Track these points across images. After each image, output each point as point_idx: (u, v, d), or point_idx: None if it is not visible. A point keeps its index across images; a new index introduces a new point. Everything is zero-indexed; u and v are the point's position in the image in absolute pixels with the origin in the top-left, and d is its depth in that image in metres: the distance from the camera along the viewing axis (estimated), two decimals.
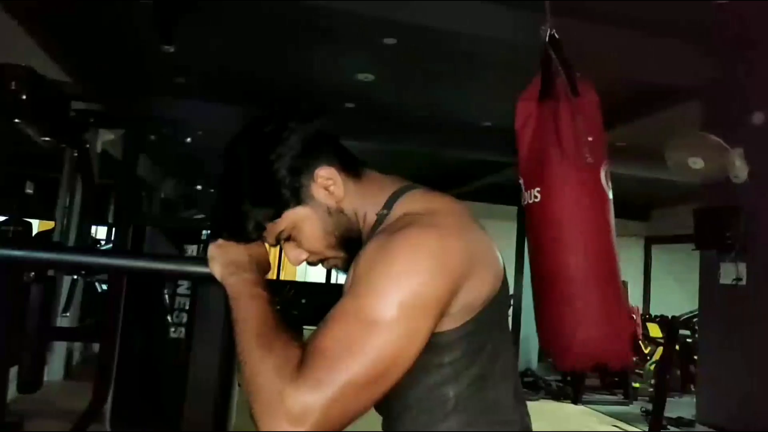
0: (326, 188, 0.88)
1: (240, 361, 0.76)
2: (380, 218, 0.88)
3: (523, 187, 1.46)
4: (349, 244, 0.90)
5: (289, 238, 0.90)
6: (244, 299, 0.83)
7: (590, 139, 1.36)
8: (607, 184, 1.39)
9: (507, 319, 0.92)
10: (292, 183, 0.86)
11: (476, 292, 0.81)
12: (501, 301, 0.87)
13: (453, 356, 0.82)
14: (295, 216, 0.88)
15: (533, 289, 1.52)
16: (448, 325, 0.80)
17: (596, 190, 1.36)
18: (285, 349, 0.74)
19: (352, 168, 0.91)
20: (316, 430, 0.68)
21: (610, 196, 1.40)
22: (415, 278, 0.74)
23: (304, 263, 0.94)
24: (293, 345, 0.75)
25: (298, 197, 0.87)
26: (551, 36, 1.51)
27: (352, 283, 0.78)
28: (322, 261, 0.93)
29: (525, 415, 0.91)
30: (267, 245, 0.94)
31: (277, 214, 0.87)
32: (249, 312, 0.81)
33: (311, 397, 0.68)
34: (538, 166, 1.42)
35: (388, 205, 0.88)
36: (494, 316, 0.85)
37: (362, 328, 0.72)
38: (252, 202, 0.87)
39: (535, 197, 1.39)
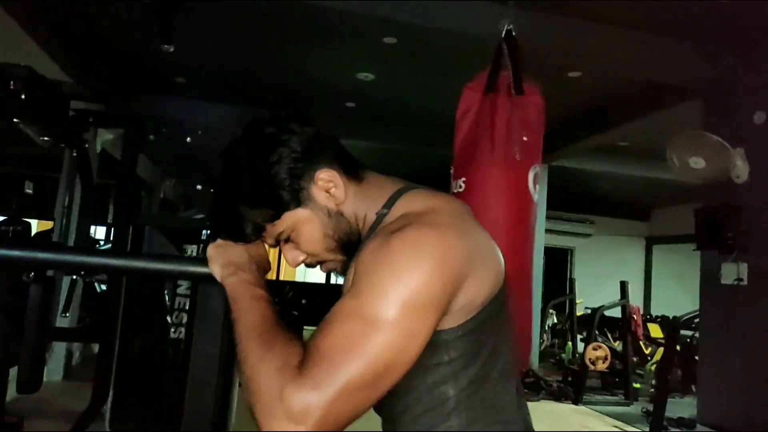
0: (327, 191, 0.88)
1: (240, 361, 0.76)
2: (379, 218, 0.88)
3: (452, 176, 1.46)
4: (348, 247, 0.89)
5: (288, 240, 0.90)
6: (244, 300, 0.83)
7: (525, 138, 1.36)
8: (534, 187, 1.37)
9: (508, 318, 0.91)
10: (292, 185, 0.86)
11: (476, 291, 0.80)
12: (502, 299, 0.86)
13: (452, 355, 0.81)
14: (294, 218, 0.87)
15: None
16: (448, 323, 0.79)
17: (520, 189, 1.35)
18: (285, 348, 0.74)
19: (352, 170, 0.91)
20: (318, 430, 0.68)
21: (535, 199, 1.40)
22: (416, 278, 0.74)
23: (302, 265, 0.94)
24: (294, 345, 0.75)
25: (298, 199, 0.87)
26: (508, 32, 1.52)
27: (352, 283, 0.78)
28: (320, 263, 0.93)
29: (526, 415, 0.90)
30: (266, 246, 0.93)
31: (277, 216, 0.87)
32: (249, 312, 0.81)
33: (312, 397, 0.68)
34: (468, 156, 1.43)
35: (388, 205, 0.88)
36: (495, 315, 0.85)
37: (363, 328, 0.72)
38: (251, 203, 0.86)
39: (460, 187, 1.40)
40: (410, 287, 0.73)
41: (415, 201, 0.86)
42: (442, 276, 0.75)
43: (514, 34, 1.50)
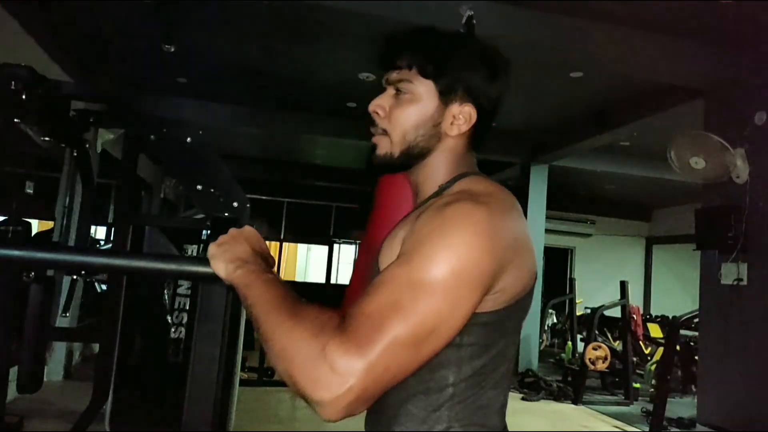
0: (455, 117, 0.90)
1: (267, 339, 0.74)
2: (441, 189, 0.89)
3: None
4: (405, 152, 0.91)
5: (398, 92, 0.92)
6: (258, 284, 0.81)
7: None
8: None
9: (521, 328, 0.90)
10: (458, 81, 0.89)
11: (510, 283, 0.80)
12: (525, 306, 0.86)
13: (464, 340, 0.79)
14: (429, 91, 0.90)
15: None
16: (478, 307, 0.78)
17: None
18: (318, 314, 0.73)
19: (477, 142, 0.94)
20: (362, 386, 0.67)
21: None
22: (468, 250, 0.75)
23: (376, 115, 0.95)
24: (325, 311, 0.74)
25: (447, 89, 0.89)
26: (468, 18, 1.60)
27: (402, 252, 0.78)
28: (380, 130, 0.94)
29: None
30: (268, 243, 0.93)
31: (429, 74, 0.89)
32: (267, 293, 0.79)
33: (357, 352, 0.68)
34: None
35: (453, 180, 0.89)
36: (514, 318, 0.84)
37: (410, 291, 0.72)
38: (440, 54, 0.89)
39: None
40: (460, 260, 0.74)
41: (475, 183, 0.87)
42: (492, 253, 0.76)
43: (474, 21, 1.57)
